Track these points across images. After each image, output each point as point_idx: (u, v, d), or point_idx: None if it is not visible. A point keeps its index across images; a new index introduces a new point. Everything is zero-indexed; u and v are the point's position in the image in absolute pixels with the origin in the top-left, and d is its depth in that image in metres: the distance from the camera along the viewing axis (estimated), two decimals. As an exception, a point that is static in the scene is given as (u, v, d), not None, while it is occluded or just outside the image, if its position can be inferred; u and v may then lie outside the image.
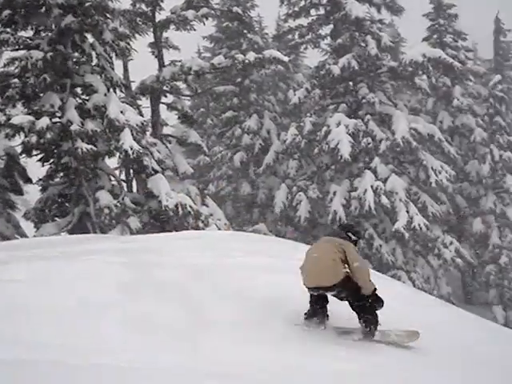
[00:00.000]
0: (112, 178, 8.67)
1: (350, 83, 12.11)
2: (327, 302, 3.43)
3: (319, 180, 11.91)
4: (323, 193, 11.45)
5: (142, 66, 11.06)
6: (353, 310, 3.36)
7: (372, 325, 3.32)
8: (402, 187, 10.73)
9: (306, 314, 3.41)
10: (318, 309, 3.41)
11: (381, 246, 10.48)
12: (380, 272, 10.23)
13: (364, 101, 11.71)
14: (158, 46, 10.74)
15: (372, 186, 10.51)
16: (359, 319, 3.34)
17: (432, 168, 11.40)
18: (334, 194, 10.93)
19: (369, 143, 11.07)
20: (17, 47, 8.17)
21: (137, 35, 10.34)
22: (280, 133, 13.34)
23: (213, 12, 11.10)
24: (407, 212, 10.50)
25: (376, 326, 3.35)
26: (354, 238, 3.57)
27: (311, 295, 3.41)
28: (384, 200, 10.43)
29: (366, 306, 3.33)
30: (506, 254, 13.52)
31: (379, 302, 3.38)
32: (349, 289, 3.29)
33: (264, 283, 3.92)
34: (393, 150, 11.39)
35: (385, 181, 10.71)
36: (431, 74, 12.69)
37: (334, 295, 3.39)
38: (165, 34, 10.87)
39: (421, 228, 10.55)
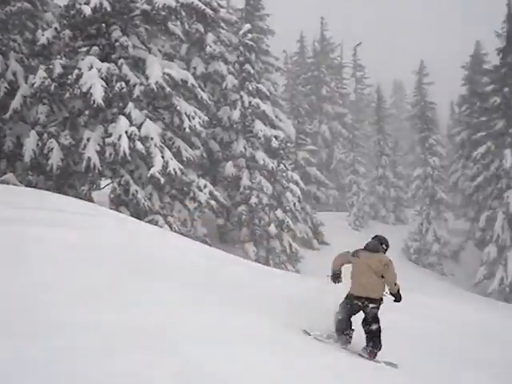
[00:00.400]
0: None
1: (103, 25, 12.21)
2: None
3: (72, 126, 11.93)
4: (76, 139, 11.55)
5: None
6: (367, 331, 4.81)
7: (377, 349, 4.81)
8: (156, 133, 11.62)
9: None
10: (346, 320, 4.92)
11: (137, 191, 11.29)
12: (138, 218, 11.02)
13: (117, 44, 12.01)
14: None
15: (126, 132, 11.11)
16: (368, 340, 4.80)
17: (186, 113, 12.51)
18: (88, 140, 11.18)
19: (122, 88, 11.53)
20: None
21: None
22: (28, 75, 12.65)
23: None
24: (162, 157, 11.48)
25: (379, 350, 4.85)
26: (385, 248, 5.03)
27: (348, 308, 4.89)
28: (139, 146, 11.18)
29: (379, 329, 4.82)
30: (255, 195, 15.90)
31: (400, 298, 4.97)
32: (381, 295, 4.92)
33: None
34: (147, 95, 12.13)
35: (139, 126, 11.42)
36: (184, 20, 13.63)
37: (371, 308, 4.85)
38: None
39: (176, 172, 11.67)
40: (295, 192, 17.36)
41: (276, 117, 17.49)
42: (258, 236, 16.07)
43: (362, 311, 4.89)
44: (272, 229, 16.18)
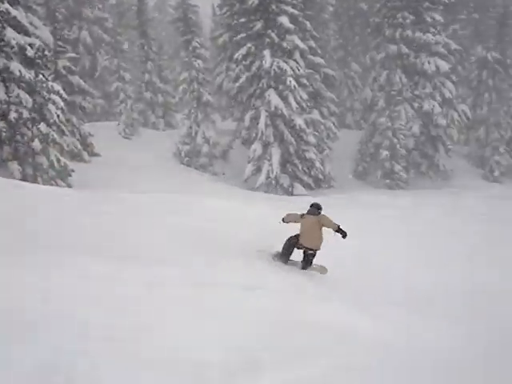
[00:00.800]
0: None
1: None
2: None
3: None
4: None
5: None
6: (305, 257, 7.75)
7: (310, 265, 7.73)
8: None
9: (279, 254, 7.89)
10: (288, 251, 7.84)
11: None
12: None
13: None
14: None
15: None
16: (306, 262, 7.75)
17: None
18: None
19: None
20: None
21: None
22: None
23: None
24: None
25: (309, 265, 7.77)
26: (320, 210, 7.55)
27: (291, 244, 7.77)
28: None
29: (311, 260, 7.69)
30: (14, 110, 14.76)
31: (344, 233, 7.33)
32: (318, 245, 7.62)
33: None
34: None
35: None
36: None
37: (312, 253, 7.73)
38: None
39: None
40: (58, 103, 16.71)
41: (30, 23, 16.10)
42: (22, 153, 15.33)
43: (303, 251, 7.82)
44: (36, 144, 15.56)
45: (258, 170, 21.23)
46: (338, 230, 7.24)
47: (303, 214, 7.64)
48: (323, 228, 7.53)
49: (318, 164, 22.04)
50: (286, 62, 20.95)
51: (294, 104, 20.89)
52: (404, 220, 16.69)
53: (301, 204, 17.14)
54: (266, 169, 20.91)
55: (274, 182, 20.81)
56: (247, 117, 21.36)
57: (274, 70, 20.64)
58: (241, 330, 4.98)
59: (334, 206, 17.49)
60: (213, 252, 7.92)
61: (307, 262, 7.75)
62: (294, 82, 20.75)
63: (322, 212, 7.64)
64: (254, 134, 21.28)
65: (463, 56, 32.67)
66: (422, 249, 11.80)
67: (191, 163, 21.77)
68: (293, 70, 21.02)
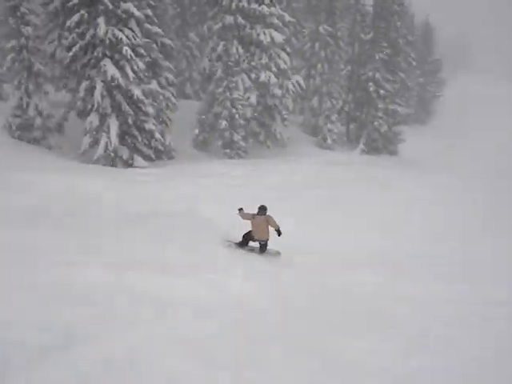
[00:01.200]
0: None
1: None
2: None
3: None
4: None
5: None
6: (260, 246, 10.90)
7: (265, 250, 10.87)
8: None
9: (238, 243, 10.98)
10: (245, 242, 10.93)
11: None
12: None
13: None
14: None
15: None
16: (261, 248, 10.92)
17: None
18: None
19: None
20: None
21: None
22: None
23: None
24: None
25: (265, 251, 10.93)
26: (266, 210, 10.65)
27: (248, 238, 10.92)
28: None
29: (265, 247, 10.86)
30: None
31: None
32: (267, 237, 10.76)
33: None
34: None
35: None
36: None
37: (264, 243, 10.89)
38: None
39: None
40: None
41: None
42: None
43: (258, 243, 10.98)
44: None
45: (96, 142, 21.84)
46: (278, 229, 10.64)
47: (254, 215, 10.68)
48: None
49: (157, 135, 23.25)
50: (122, 31, 21.62)
51: (131, 74, 21.72)
52: (247, 187, 18.90)
53: (137, 177, 18.44)
54: (104, 141, 21.60)
55: (112, 154, 21.61)
56: (82, 87, 21.70)
57: (109, 38, 21.23)
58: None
59: (176, 178, 19.10)
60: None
61: (262, 249, 10.97)
62: (130, 52, 21.55)
63: (267, 212, 10.84)
64: (89, 106, 21.74)
65: (297, 28, 35.82)
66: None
67: (23, 137, 21.59)
68: (129, 39, 21.76)
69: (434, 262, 12.41)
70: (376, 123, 37.50)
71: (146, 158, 23.16)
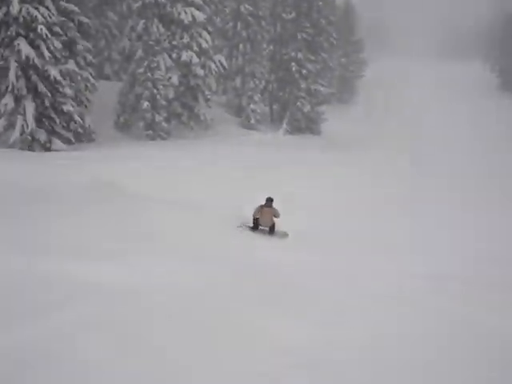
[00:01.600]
0: None
1: None
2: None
3: None
4: None
5: None
6: (269, 230, 13.50)
7: (273, 233, 13.41)
8: None
9: (251, 227, 13.58)
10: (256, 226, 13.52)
11: None
12: None
13: None
14: None
15: None
16: (270, 231, 13.48)
17: None
18: None
19: None
20: None
21: None
22: None
23: None
24: None
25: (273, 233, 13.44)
26: (272, 202, 13.36)
27: (257, 224, 13.54)
28: None
29: (273, 229, 13.45)
30: None
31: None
32: (273, 225, 13.44)
33: None
34: None
35: None
36: None
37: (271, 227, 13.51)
38: None
39: None
40: None
41: None
42: None
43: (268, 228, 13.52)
44: None
45: (11, 125, 21.61)
46: (277, 217, 13.41)
47: (262, 206, 13.33)
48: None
49: (76, 117, 23.26)
50: (37, 9, 21.38)
51: (46, 54, 21.58)
52: (172, 169, 19.51)
53: (56, 161, 18.59)
54: (20, 124, 21.42)
55: (29, 137, 21.49)
56: (-5, 67, 21.35)
57: (23, 16, 20.97)
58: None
59: (102, 161, 19.36)
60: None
61: (270, 231, 13.51)
62: (45, 31, 21.38)
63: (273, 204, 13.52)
64: (4, 87, 21.44)
65: (218, 7, 36.31)
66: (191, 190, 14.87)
67: None
68: (44, 18, 21.56)
69: (358, 237, 13.79)
70: (299, 103, 38.86)
71: (65, 140, 23.13)
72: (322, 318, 7.02)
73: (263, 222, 13.51)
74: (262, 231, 13.59)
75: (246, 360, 5.48)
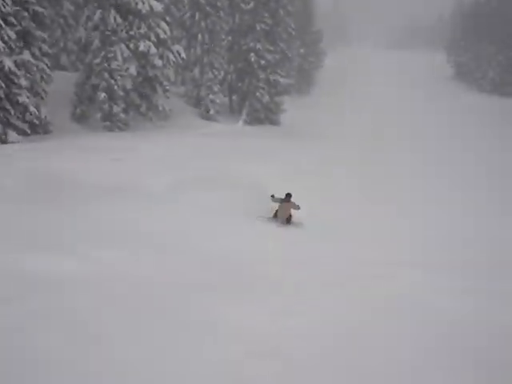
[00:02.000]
0: None
1: None
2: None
3: None
4: None
5: None
6: (286, 221, 15.08)
7: (290, 223, 15.13)
8: None
9: (271, 218, 15.25)
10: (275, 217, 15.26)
11: None
12: None
13: None
14: None
15: None
16: (287, 221, 15.08)
17: None
18: None
19: None
20: None
21: None
22: None
23: None
24: None
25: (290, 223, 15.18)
26: (291, 196, 15.13)
27: (276, 214, 15.26)
28: None
29: (290, 220, 15.12)
30: None
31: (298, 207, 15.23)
32: (290, 217, 15.15)
33: None
34: None
35: None
36: None
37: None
38: None
39: None
40: None
41: None
42: None
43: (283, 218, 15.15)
44: None
45: (-35, 116, 21.36)
46: (297, 209, 14.96)
47: (282, 200, 15.05)
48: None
49: (32, 108, 23.11)
50: (-12, -2, 21.13)
51: (1, 44, 21.38)
52: (132, 160, 19.66)
53: (17, 153, 18.57)
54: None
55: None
56: None
57: (-25, 6, 20.69)
58: None
59: (54, 152, 19.40)
60: None
61: (288, 222, 15.14)
62: (0, 21, 21.17)
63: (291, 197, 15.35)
64: (-44, 78, 21.15)
65: (176, -3, 36.28)
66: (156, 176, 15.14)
67: None
68: (-3, 7, 21.33)
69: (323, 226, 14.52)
70: (258, 94, 39.27)
71: (21, 132, 22.96)
72: (284, 305, 7.26)
73: (281, 214, 15.18)
74: (281, 221, 15.16)
75: (204, 348, 5.64)
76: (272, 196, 15.40)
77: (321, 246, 12.48)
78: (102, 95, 27.48)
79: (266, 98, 39.56)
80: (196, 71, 37.83)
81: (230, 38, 40.53)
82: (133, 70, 28.87)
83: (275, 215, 15.29)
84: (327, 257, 11.24)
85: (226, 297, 7.43)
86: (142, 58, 29.72)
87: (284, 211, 15.11)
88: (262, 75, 39.47)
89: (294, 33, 48.02)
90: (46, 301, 6.28)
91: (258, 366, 5.40)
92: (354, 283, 9.01)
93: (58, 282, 6.97)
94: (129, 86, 28.93)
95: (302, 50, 62.17)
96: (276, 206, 15.36)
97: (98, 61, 27.63)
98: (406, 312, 7.44)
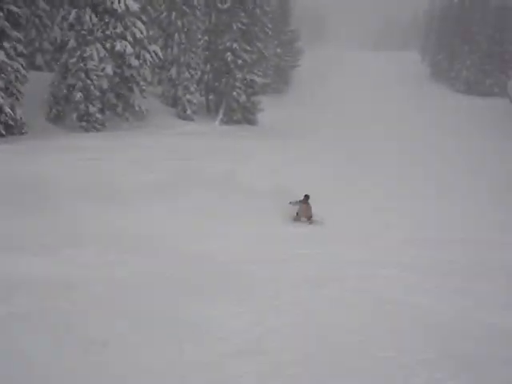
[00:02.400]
0: None
1: None
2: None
3: None
4: None
5: None
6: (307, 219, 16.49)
7: (311, 222, 16.39)
8: None
9: (294, 219, 16.47)
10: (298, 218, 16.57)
11: None
12: None
13: None
14: None
15: None
16: (309, 221, 16.44)
17: None
18: None
19: None
20: None
21: None
22: None
23: None
24: None
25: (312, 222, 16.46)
26: (308, 198, 16.48)
27: (298, 214, 16.58)
28: None
29: (311, 220, 16.42)
30: None
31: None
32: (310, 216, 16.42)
33: None
34: None
35: None
36: None
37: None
38: None
39: None
40: None
41: None
42: None
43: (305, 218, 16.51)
44: None
45: None
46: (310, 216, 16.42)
47: (301, 201, 16.28)
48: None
49: (7, 109, 22.97)
50: (-39, -3, 20.95)
51: (-26, 44, 21.21)
52: (108, 161, 19.64)
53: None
54: None
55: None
56: None
57: None
58: None
59: (28, 153, 19.32)
60: None
61: (310, 221, 16.31)
62: (-28, 20, 21.00)
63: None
64: None
65: (152, -4, 36.21)
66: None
67: None
68: (-30, 7, 21.15)
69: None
70: (234, 93, 39.43)
71: (-4, 133, 22.82)
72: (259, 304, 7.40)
73: (302, 214, 16.58)
74: (303, 221, 16.42)
75: (187, 350, 5.73)
76: (290, 202, 16.62)
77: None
78: (78, 95, 27.36)
79: (243, 98, 39.73)
80: (173, 71, 37.82)
81: (206, 37, 40.59)
82: (109, 69, 28.80)
83: (297, 216, 16.59)
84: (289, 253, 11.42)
85: (204, 298, 7.57)
86: (119, 57, 29.67)
87: (304, 212, 16.53)
88: (239, 75, 39.64)
89: (270, 32, 48.33)
90: (30, 303, 6.46)
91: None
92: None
93: (43, 285, 7.09)
94: (105, 85, 28.84)
95: (278, 50, 62.46)
96: (296, 208, 16.59)
97: (73, 60, 27.49)
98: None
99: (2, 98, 22.74)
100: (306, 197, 16.59)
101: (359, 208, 18.93)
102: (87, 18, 28.24)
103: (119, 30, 29.50)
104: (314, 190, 18.52)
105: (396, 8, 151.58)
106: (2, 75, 23.16)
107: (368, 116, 50.66)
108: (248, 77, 40.17)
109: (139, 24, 30.60)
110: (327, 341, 6.34)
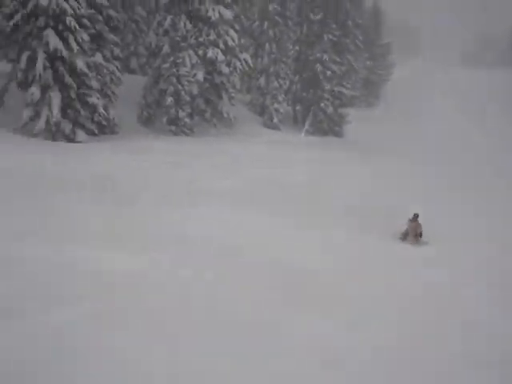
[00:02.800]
0: None
1: None
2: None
3: None
4: None
5: None
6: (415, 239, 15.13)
7: (419, 242, 15.12)
8: None
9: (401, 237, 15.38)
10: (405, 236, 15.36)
11: None
12: None
13: None
14: None
15: None
16: (416, 240, 15.12)
17: None
18: None
19: None
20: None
21: None
22: None
23: None
24: None
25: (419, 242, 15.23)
26: (418, 216, 15.26)
27: (407, 233, 15.34)
28: None
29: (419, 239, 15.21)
30: None
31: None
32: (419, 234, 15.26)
33: None
34: None
35: None
36: None
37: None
38: None
39: None
40: None
41: None
42: None
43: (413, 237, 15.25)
44: None
45: (37, 115, 21.98)
46: (420, 232, 15.36)
47: (411, 220, 15.41)
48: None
49: (101, 109, 23.59)
50: (66, 1, 21.73)
51: (74, 46, 21.91)
52: (193, 166, 19.68)
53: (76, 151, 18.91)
54: (45, 114, 21.78)
55: (54, 128, 21.86)
56: (23, 58, 21.73)
57: (53, 8, 21.32)
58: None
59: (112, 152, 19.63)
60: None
61: (417, 240, 15.31)
62: (74, 23, 21.72)
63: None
64: (31, 77, 21.83)
65: (246, 6, 36.50)
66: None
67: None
68: (73, 10, 21.90)
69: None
70: (322, 104, 38.87)
71: (89, 132, 23.45)
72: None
73: (411, 233, 15.73)
74: (411, 240, 15.46)
75: None
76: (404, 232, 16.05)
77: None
78: (169, 99, 27.82)
79: (330, 109, 39.13)
80: (262, 80, 37.84)
81: (296, 47, 40.38)
82: (200, 76, 29.14)
83: (405, 235, 15.74)
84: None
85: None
86: (210, 64, 29.97)
87: (413, 230, 15.70)
88: (327, 86, 39.08)
89: (361, 45, 47.47)
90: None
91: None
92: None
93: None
94: (195, 91, 29.18)
95: (368, 63, 61.35)
96: (405, 226, 15.75)
97: (166, 66, 28.00)
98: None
99: (98, 98, 23.39)
100: (416, 216, 15.74)
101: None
102: (182, 24, 28.73)
103: (212, 37, 29.83)
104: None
105: (489, 20, 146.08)
106: (99, 77, 23.86)
107: (459, 143, 47.52)
108: (336, 89, 39.54)
109: (232, 32, 30.80)
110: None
